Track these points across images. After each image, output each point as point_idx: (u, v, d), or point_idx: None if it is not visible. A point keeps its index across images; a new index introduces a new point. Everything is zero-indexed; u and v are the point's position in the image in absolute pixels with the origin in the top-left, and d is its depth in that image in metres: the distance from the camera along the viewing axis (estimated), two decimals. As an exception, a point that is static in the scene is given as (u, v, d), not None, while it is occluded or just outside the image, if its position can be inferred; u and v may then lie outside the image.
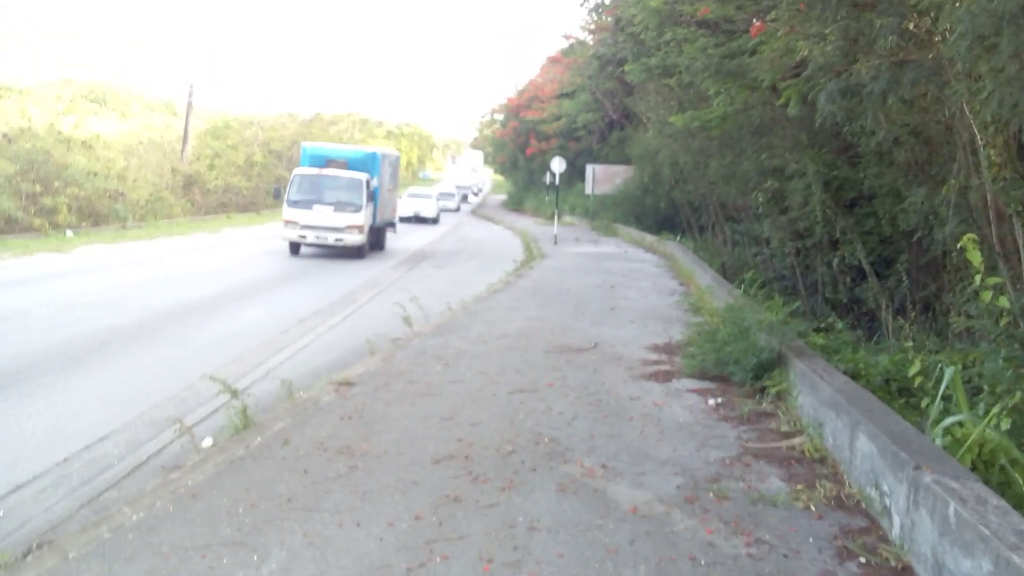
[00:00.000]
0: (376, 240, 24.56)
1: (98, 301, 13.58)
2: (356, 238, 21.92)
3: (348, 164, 23.06)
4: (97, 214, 28.93)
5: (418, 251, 26.64)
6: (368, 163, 23.50)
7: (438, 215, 42.83)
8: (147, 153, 34.46)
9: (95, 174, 29.31)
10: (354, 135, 62.95)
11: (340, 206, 21.72)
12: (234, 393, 7.05)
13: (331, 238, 21.70)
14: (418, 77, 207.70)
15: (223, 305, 14.07)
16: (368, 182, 22.46)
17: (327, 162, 23.14)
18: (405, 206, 38.96)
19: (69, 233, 25.49)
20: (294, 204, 21.80)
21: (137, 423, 7.56)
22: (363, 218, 21.93)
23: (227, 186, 40.28)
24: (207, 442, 6.85)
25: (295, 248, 22.60)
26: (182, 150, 39.57)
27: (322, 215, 21.61)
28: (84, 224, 27.55)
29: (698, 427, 7.14)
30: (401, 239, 28.92)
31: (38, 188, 25.84)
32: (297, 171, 22.90)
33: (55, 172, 27.00)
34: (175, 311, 13.21)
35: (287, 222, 21.87)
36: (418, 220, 40.15)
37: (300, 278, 18.50)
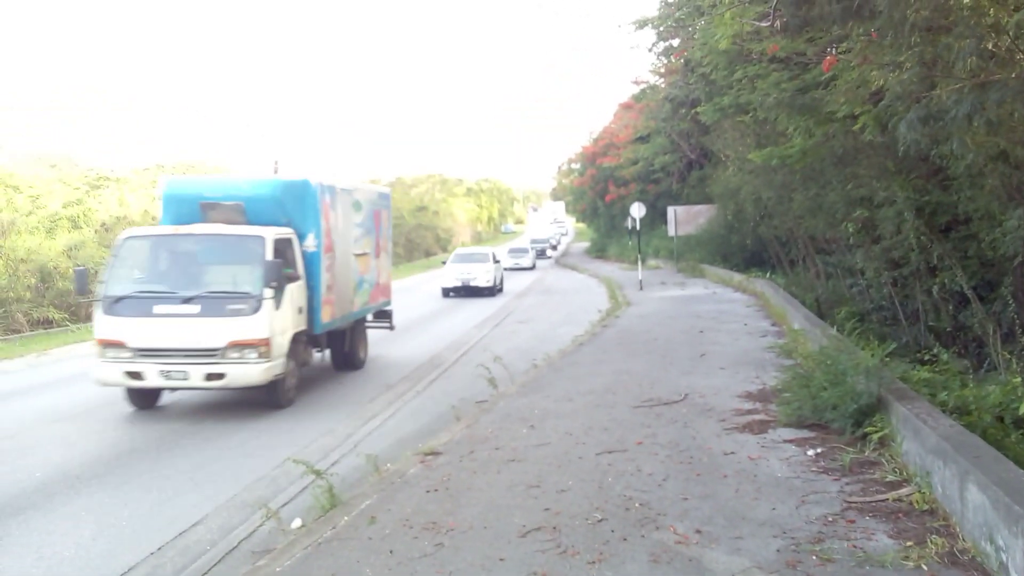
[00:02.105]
0: (342, 351, 14.31)
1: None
2: (254, 370, 10.73)
3: (245, 209, 11.92)
4: (194, 292, 30.07)
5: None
6: (287, 203, 12.13)
7: (499, 283, 31.78)
8: (238, 229, 35.75)
9: (190, 254, 30.46)
10: (434, 195, 63.74)
11: (212, 304, 10.81)
12: (318, 474, 7.07)
13: (197, 375, 10.69)
14: (493, 132, 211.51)
15: (309, 376, 14.24)
16: (286, 242, 11.71)
17: (202, 208, 11.97)
18: (449, 274, 30.20)
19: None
20: (115, 306, 10.91)
21: (229, 506, 7.62)
22: (266, 323, 10.78)
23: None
24: (296, 523, 6.85)
25: (141, 399, 11.55)
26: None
27: (175, 327, 10.73)
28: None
29: (797, 481, 6.79)
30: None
31: (137, 273, 26.98)
32: (128, 234, 11.77)
33: (152, 256, 28.17)
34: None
35: (104, 344, 10.87)
36: (468, 292, 29.91)
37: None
